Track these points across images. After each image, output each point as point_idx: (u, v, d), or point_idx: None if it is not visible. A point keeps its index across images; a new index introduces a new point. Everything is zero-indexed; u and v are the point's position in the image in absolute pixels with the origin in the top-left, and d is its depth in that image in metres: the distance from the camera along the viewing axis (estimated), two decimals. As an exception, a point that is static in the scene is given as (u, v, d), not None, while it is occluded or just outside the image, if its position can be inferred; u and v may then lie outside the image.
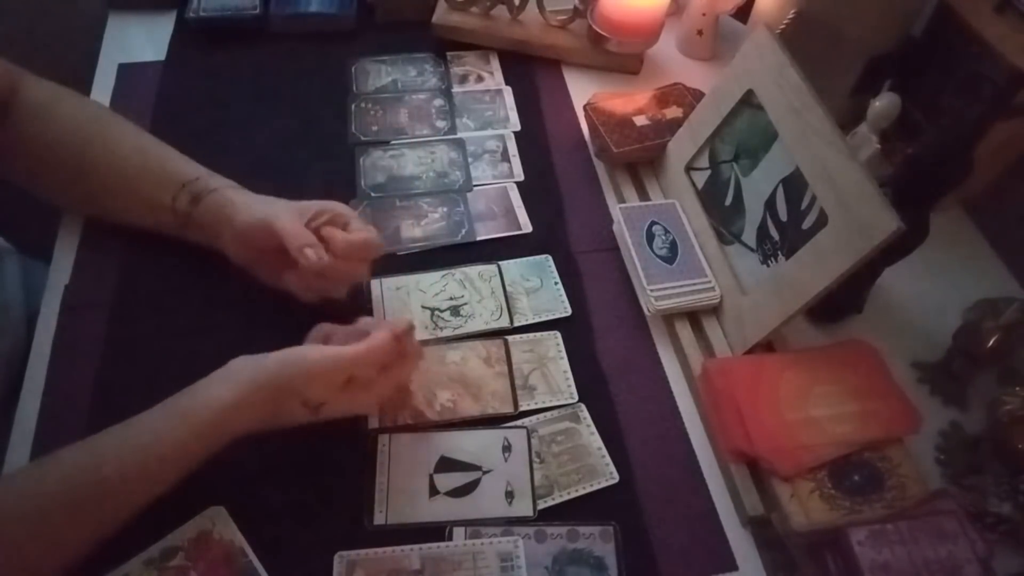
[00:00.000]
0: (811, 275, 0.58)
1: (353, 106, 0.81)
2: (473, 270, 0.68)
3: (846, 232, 0.55)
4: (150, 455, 0.48)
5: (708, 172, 0.71)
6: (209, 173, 0.63)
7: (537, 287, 0.68)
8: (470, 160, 0.78)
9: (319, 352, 0.51)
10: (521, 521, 0.55)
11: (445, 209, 0.73)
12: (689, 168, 0.73)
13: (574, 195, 0.76)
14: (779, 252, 0.63)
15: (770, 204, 0.64)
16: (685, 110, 0.78)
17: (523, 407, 0.60)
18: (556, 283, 0.68)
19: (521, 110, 0.83)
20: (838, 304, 0.67)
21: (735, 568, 0.55)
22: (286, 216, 0.57)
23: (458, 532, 0.54)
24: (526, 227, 0.72)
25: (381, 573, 0.51)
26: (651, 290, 0.65)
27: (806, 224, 0.60)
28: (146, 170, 0.62)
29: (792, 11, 0.76)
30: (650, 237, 0.69)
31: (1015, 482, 0.57)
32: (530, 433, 0.59)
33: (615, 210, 0.71)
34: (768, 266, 0.64)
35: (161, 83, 0.81)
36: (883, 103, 0.67)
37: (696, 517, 0.57)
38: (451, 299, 0.66)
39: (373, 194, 0.74)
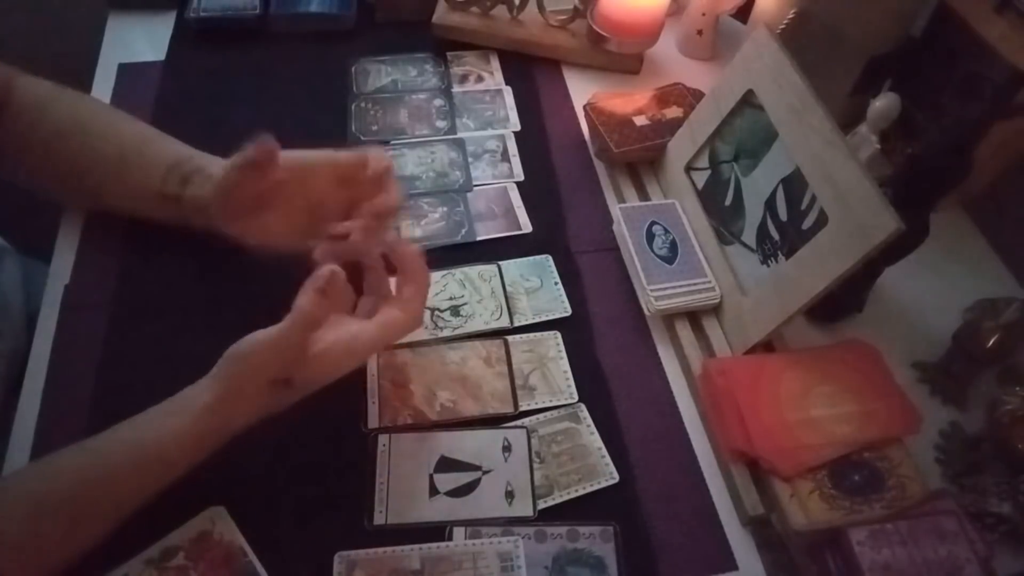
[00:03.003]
0: (811, 275, 0.58)
1: (353, 106, 0.81)
2: (473, 270, 0.68)
3: (846, 232, 0.55)
4: (150, 454, 0.48)
5: (708, 172, 0.71)
6: (200, 153, 0.62)
7: (537, 287, 0.68)
8: (470, 160, 0.78)
9: (255, 340, 0.49)
10: (521, 521, 0.55)
11: (445, 209, 0.73)
12: (689, 168, 0.73)
13: (574, 195, 0.76)
14: (779, 252, 0.63)
15: (770, 204, 0.64)
16: (685, 110, 0.78)
17: (523, 407, 0.60)
18: (556, 283, 0.68)
19: (521, 110, 0.83)
20: (838, 304, 0.67)
21: (735, 568, 0.55)
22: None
23: (458, 532, 0.54)
24: (526, 227, 0.72)
25: (381, 573, 0.51)
26: (651, 290, 0.65)
27: (806, 224, 0.60)
28: (142, 156, 0.62)
29: (792, 11, 0.76)
30: (650, 237, 0.69)
31: (1015, 482, 0.57)
32: (530, 433, 0.59)
33: (615, 210, 0.71)
34: (768, 266, 0.64)
35: (161, 83, 0.81)
36: (883, 103, 0.67)
37: (696, 517, 0.57)
38: (451, 299, 0.66)
39: (373, 194, 0.74)
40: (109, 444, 0.49)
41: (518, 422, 0.60)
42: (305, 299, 0.49)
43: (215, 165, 0.60)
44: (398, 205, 0.59)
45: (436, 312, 0.66)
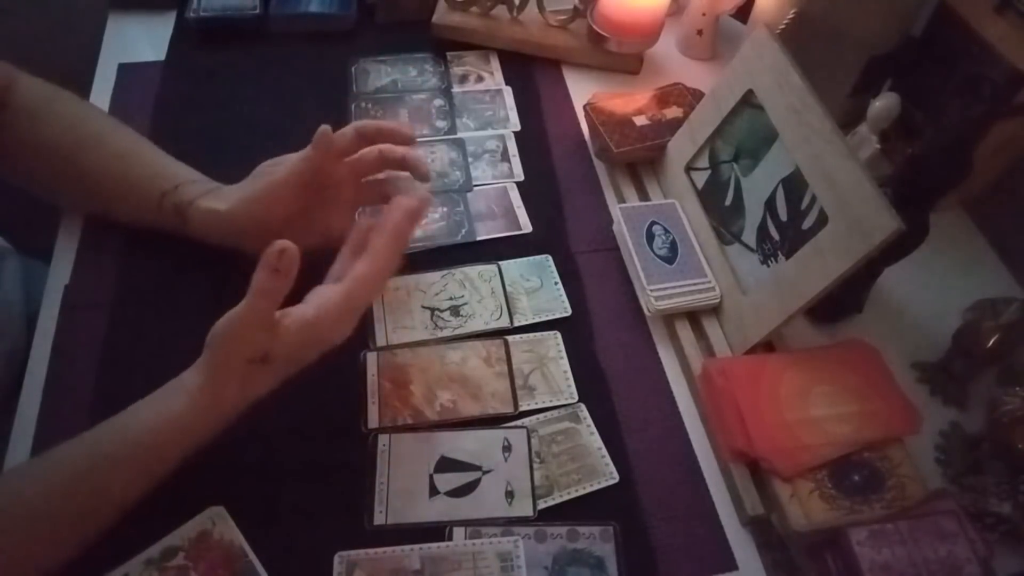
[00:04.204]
0: (811, 275, 0.58)
1: (353, 106, 0.81)
2: (473, 270, 0.68)
3: (846, 232, 0.55)
4: (142, 442, 0.48)
5: (708, 172, 0.71)
6: (189, 178, 0.62)
7: (537, 287, 0.68)
8: (470, 160, 0.78)
9: (226, 319, 0.49)
10: (521, 521, 0.55)
11: (445, 209, 0.73)
12: (689, 168, 0.73)
13: (574, 195, 0.76)
14: (779, 252, 0.63)
15: (770, 204, 0.64)
16: (685, 110, 0.78)
17: (523, 407, 0.60)
18: (556, 283, 0.68)
19: (521, 110, 0.83)
20: (838, 304, 0.67)
21: (735, 568, 0.55)
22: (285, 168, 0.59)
23: (458, 532, 0.54)
24: (526, 227, 0.72)
25: (381, 573, 0.51)
26: (651, 290, 0.65)
27: (806, 224, 0.60)
28: (130, 176, 0.62)
29: (792, 11, 0.76)
30: (650, 237, 0.69)
31: (1015, 482, 0.57)
32: (530, 433, 0.59)
33: (615, 210, 0.71)
34: (768, 266, 0.64)
35: (161, 83, 0.81)
36: (883, 103, 0.67)
37: (696, 517, 0.57)
38: (451, 299, 0.66)
39: (373, 194, 0.74)
40: (100, 435, 0.49)
41: (518, 422, 0.60)
42: (259, 276, 0.48)
43: (202, 197, 0.60)
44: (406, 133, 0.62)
45: (436, 312, 0.66)
